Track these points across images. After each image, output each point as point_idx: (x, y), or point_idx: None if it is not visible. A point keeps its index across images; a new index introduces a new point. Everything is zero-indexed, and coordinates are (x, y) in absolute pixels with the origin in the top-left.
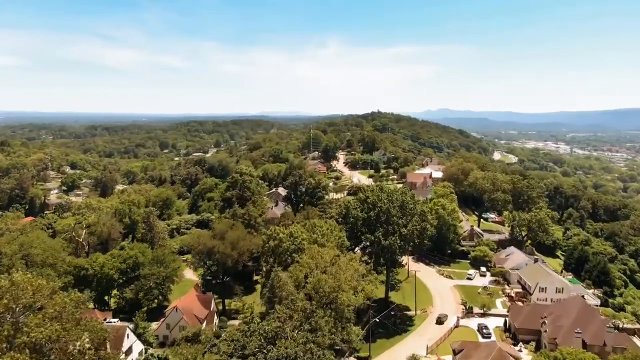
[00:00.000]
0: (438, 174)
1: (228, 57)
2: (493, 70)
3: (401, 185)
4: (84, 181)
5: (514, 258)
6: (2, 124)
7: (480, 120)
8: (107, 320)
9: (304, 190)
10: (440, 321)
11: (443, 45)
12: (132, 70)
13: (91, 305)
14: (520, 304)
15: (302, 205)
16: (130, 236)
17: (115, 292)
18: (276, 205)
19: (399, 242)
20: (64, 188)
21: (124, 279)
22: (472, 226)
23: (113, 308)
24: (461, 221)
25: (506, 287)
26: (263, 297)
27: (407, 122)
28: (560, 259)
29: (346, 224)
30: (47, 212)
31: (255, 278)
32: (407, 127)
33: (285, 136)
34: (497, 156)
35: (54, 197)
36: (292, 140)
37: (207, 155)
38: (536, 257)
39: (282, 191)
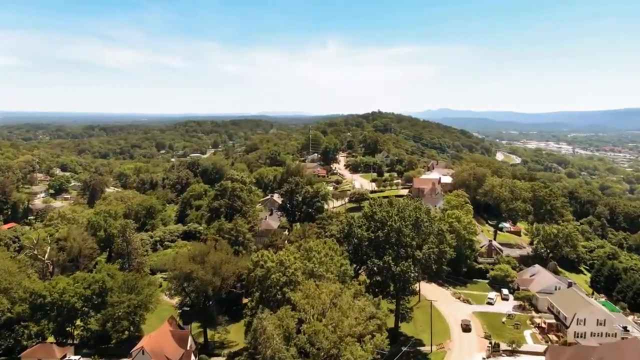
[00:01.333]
0: (447, 179)
1: (228, 57)
2: (493, 70)
3: (407, 191)
4: (72, 184)
5: (541, 279)
6: (0, 124)
7: (481, 120)
8: (67, 357)
9: (300, 199)
10: (467, 328)
11: (443, 45)
12: (132, 70)
13: (50, 339)
14: (553, 337)
15: (298, 215)
16: (108, 250)
17: (79, 322)
18: (270, 214)
19: (412, 268)
20: (51, 191)
21: (89, 306)
22: (490, 240)
23: (76, 341)
24: (477, 234)
25: (534, 314)
26: (248, 344)
27: (408, 122)
28: (584, 274)
29: (349, 243)
30: (31, 217)
31: (245, 301)
32: (408, 127)
33: (284, 136)
34: (499, 156)
35: (39, 201)
36: (291, 140)
37: (205, 156)
38: (570, 280)
39: (278, 198)
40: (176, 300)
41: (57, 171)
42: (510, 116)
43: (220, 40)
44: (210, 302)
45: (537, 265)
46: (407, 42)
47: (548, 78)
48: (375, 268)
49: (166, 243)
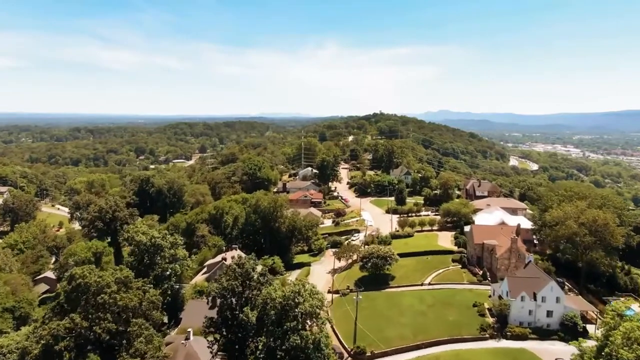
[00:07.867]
0: (523, 222)
1: (226, 58)
2: (492, 71)
3: (451, 236)
4: None
5: None
6: None
7: (481, 122)
8: None
9: (253, 320)
10: None
11: (442, 46)
12: (130, 72)
13: None
14: None
15: (252, 348)
16: None
17: None
18: (211, 306)
19: None
20: None
21: None
22: None
23: None
24: None
25: None
26: None
27: (414, 124)
28: None
29: None
30: None
31: None
32: (415, 130)
33: (278, 140)
34: (512, 162)
35: None
36: (285, 146)
37: (190, 162)
38: None
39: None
40: None
41: None
42: (510, 118)
43: (218, 42)
44: None
45: None
46: (407, 43)
47: (548, 79)
48: None
49: None
